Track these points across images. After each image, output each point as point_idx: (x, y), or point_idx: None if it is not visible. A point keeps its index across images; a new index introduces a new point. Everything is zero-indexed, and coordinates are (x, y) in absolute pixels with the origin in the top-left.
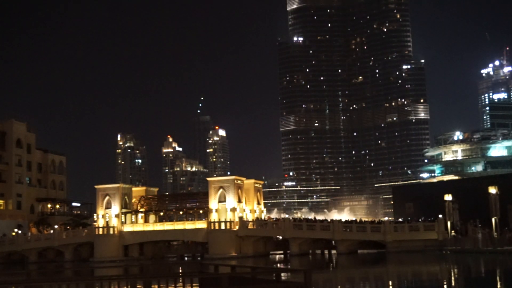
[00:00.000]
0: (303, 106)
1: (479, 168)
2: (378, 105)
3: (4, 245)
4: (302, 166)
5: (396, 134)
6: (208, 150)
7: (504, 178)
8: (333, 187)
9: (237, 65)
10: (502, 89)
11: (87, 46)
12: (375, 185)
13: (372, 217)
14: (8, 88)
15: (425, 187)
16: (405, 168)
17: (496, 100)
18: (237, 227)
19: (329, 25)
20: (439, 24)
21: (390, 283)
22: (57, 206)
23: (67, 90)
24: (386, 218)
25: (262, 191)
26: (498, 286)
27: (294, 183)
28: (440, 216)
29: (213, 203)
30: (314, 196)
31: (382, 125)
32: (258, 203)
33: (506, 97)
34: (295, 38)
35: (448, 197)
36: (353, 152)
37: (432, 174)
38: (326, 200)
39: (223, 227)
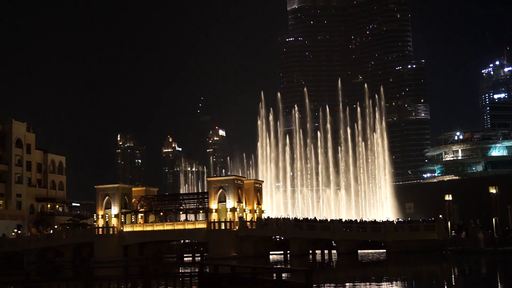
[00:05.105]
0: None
1: (479, 168)
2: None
3: (4, 245)
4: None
5: (396, 134)
6: (208, 150)
7: (504, 178)
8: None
9: (237, 65)
10: (503, 89)
11: (87, 46)
12: None
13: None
14: (8, 88)
15: (425, 187)
16: (405, 168)
17: (496, 100)
18: (237, 227)
19: (329, 25)
20: (439, 24)
21: (391, 283)
22: (57, 206)
23: (67, 90)
24: (386, 218)
25: (262, 191)
26: (499, 286)
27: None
28: (440, 216)
29: (213, 203)
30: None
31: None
32: (258, 203)
33: (506, 97)
34: (295, 38)
35: (448, 197)
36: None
37: (433, 174)
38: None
39: (223, 227)
